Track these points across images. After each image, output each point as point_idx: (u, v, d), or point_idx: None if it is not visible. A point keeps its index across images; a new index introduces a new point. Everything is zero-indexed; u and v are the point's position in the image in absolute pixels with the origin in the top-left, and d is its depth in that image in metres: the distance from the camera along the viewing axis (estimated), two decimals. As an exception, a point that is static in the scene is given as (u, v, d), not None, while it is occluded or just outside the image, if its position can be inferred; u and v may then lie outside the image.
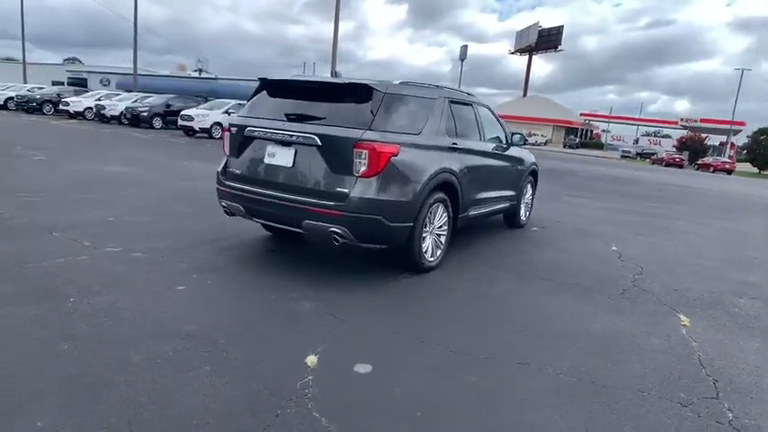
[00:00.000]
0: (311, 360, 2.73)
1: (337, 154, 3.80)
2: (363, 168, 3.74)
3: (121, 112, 22.62)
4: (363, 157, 3.72)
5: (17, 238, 4.51)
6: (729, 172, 42.29)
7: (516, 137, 6.17)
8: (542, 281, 4.60)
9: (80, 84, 44.20)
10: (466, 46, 39.54)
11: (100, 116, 23.61)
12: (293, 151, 3.97)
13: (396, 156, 3.84)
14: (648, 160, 50.76)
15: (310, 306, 3.50)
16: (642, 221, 8.83)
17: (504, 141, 6.01)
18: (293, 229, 4.02)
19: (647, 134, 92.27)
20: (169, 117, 22.09)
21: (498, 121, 6.10)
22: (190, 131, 19.37)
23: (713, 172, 41.79)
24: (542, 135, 62.54)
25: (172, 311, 3.24)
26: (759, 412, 2.61)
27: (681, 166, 44.16)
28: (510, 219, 6.74)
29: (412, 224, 4.10)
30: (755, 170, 46.84)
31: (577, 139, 67.92)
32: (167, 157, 12.06)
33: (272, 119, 4.10)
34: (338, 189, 3.80)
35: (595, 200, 11.49)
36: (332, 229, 3.78)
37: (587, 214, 9.09)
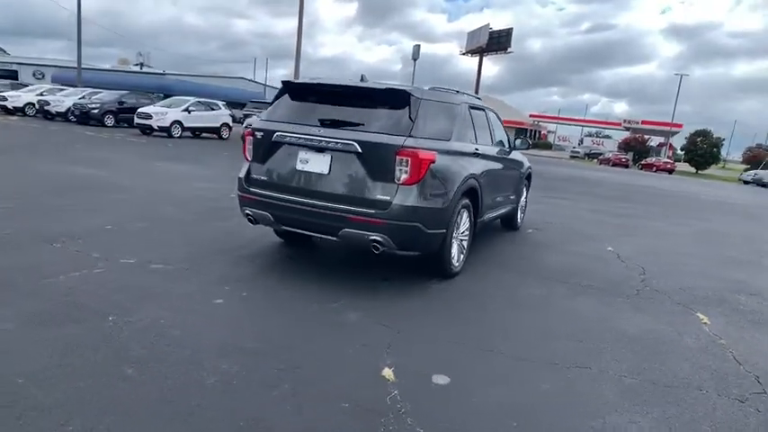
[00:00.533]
0: (388, 373, 2.71)
1: (378, 161, 3.77)
2: (405, 176, 3.73)
3: (68, 109, 21.29)
4: (405, 164, 3.72)
5: (15, 250, 4.18)
6: (670, 171, 45.00)
7: (518, 141, 6.33)
8: (559, 283, 4.75)
9: (10, 76, 41.18)
10: (419, 45, 39.77)
11: (44, 112, 22.12)
12: (329, 158, 3.90)
13: (434, 163, 3.86)
14: (596, 160, 53.21)
15: (356, 316, 3.46)
16: (624, 223, 9.27)
17: (507, 145, 6.16)
18: (327, 237, 3.96)
19: (590, 135, 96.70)
20: (122, 114, 21.01)
21: (502, 125, 6.24)
22: (147, 130, 18.51)
23: (656, 171, 44.35)
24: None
25: (222, 327, 3.12)
26: (806, 405, 2.83)
27: (626, 166, 46.63)
28: (509, 221, 6.91)
29: (445, 230, 4.13)
30: (693, 170, 50.10)
31: (530, 140, 70.31)
32: (135, 158, 11.49)
33: (303, 124, 4.01)
34: (379, 197, 3.77)
35: (571, 200, 11.95)
36: (372, 237, 3.75)
37: (570, 215, 9.45)
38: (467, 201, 4.47)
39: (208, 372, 2.55)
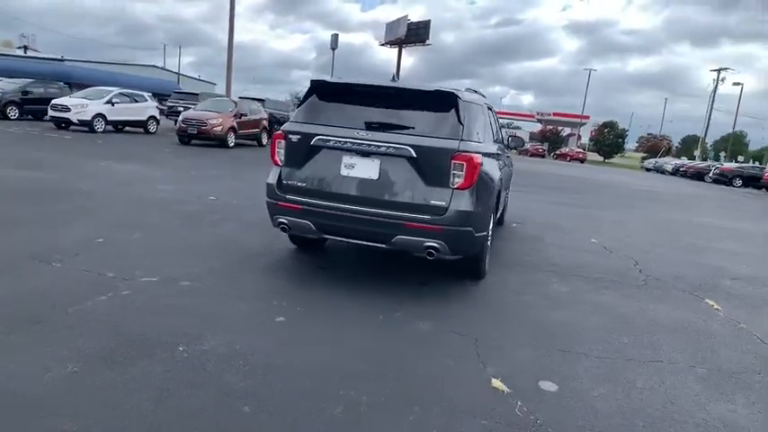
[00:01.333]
0: (498, 385, 2.70)
1: (433, 166, 3.71)
2: (460, 180, 3.72)
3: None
4: (461, 168, 3.70)
5: (10, 273, 3.64)
6: (582, 161, 48.63)
7: (514, 141, 6.54)
8: (575, 278, 4.99)
9: None
10: (336, 35, 39.14)
11: None
12: (378, 162, 3.79)
13: (482, 166, 3.88)
14: (515, 151, 56.24)
15: (427, 325, 3.41)
16: (585, 214, 9.90)
17: (504, 143, 6.33)
18: (376, 245, 3.85)
19: (503, 126, 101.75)
20: (28, 106, 18.87)
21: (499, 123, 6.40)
22: (63, 124, 16.75)
23: (569, 161, 47.67)
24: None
25: (309, 349, 2.93)
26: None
27: (543, 156, 49.70)
28: (501, 217, 7.13)
29: (486, 233, 4.18)
30: (601, 159, 54.57)
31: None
32: (74, 157, 10.39)
33: (346, 127, 3.85)
34: (434, 202, 3.73)
35: (528, 193, 12.52)
36: (429, 243, 3.70)
37: (537, 208, 9.93)
38: (496, 201, 4.56)
39: (327, 401, 2.40)
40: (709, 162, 39.35)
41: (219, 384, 2.46)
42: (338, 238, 4.02)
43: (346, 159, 3.84)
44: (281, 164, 4.08)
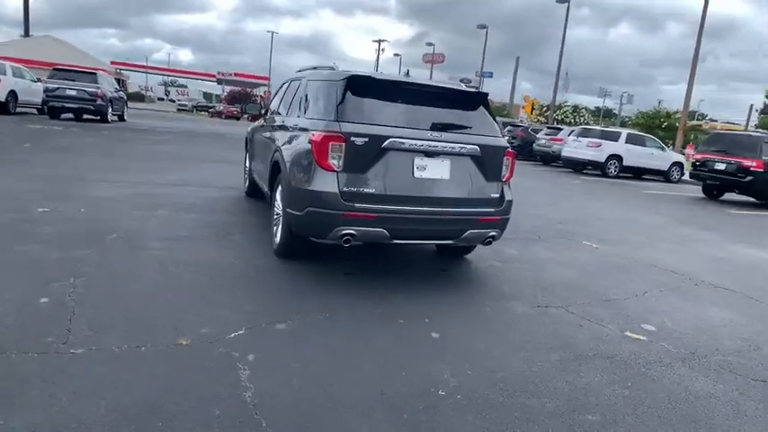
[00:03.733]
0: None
1: (491, 162, 4.01)
2: (507, 173, 4.16)
3: None
4: (508, 162, 4.15)
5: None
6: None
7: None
8: (533, 241, 6.02)
9: None
10: None
11: None
12: (448, 162, 3.84)
13: None
14: (206, 113, 54.30)
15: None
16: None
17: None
18: (443, 242, 4.01)
19: (165, 83, 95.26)
20: None
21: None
22: None
23: (268, 123, 49.23)
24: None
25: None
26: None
27: (238, 119, 49.75)
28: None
29: None
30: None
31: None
32: None
33: (410, 128, 3.72)
34: (492, 195, 4.06)
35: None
36: (491, 233, 4.06)
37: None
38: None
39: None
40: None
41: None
42: (408, 242, 3.95)
43: (418, 161, 3.75)
44: (337, 169, 3.62)
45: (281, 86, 5.86)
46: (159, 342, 2.73)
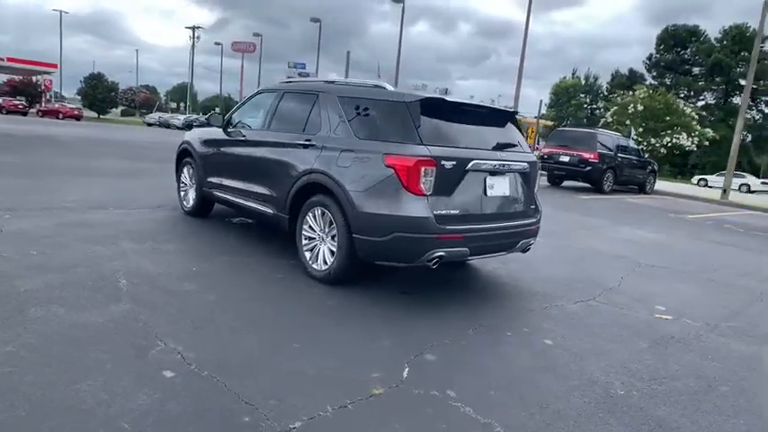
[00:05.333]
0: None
1: (532, 176, 4.45)
2: (536, 186, 4.67)
3: None
4: (537, 175, 4.66)
5: None
6: (78, 118, 44.10)
7: None
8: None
9: None
10: None
11: None
12: (508, 180, 4.17)
13: None
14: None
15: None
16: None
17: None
18: (502, 253, 4.34)
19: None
20: None
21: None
22: None
23: (63, 118, 42.25)
24: None
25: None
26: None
27: (25, 114, 41.93)
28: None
29: None
30: (95, 114, 51.10)
31: None
32: None
33: (482, 149, 3.98)
34: (532, 207, 4.51)
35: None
36: (531, 242, 4.54)
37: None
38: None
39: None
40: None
41: None
42: (478, 258, 4.18)
43: (489, 180, 4.01)
44: (427, 193, 3.68)
45: (265, 99, 5.42)
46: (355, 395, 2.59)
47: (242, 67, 59.20)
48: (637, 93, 28.41)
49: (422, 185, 3.66)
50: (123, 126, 40.70)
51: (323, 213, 4.19)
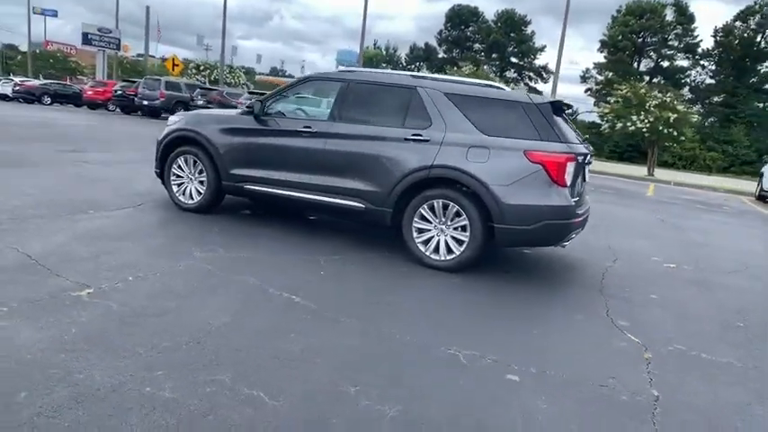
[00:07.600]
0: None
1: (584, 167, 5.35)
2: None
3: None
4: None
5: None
6: None
7: None
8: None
9: None
10: None
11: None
12: (581, 171, 4.89)
13: None
14: None
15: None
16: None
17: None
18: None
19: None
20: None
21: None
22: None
23: None
24: None
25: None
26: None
27: None
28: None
29: None
30: None
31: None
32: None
33: (576, 143, 4.64)
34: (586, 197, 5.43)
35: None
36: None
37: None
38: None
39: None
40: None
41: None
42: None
43: (585, 171, 4.83)
44: (568, 184, 4.32)
45: (322, 88, 5.25)
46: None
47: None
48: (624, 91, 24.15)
49: (566, 178, 4.29)
50: None
51: (444, 207, 4.47)
